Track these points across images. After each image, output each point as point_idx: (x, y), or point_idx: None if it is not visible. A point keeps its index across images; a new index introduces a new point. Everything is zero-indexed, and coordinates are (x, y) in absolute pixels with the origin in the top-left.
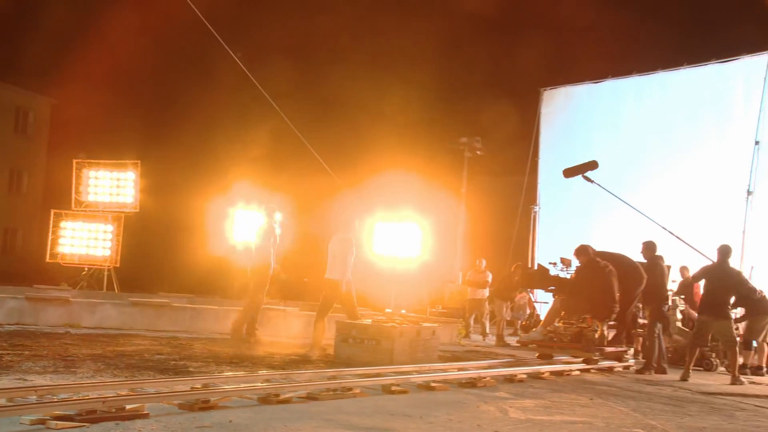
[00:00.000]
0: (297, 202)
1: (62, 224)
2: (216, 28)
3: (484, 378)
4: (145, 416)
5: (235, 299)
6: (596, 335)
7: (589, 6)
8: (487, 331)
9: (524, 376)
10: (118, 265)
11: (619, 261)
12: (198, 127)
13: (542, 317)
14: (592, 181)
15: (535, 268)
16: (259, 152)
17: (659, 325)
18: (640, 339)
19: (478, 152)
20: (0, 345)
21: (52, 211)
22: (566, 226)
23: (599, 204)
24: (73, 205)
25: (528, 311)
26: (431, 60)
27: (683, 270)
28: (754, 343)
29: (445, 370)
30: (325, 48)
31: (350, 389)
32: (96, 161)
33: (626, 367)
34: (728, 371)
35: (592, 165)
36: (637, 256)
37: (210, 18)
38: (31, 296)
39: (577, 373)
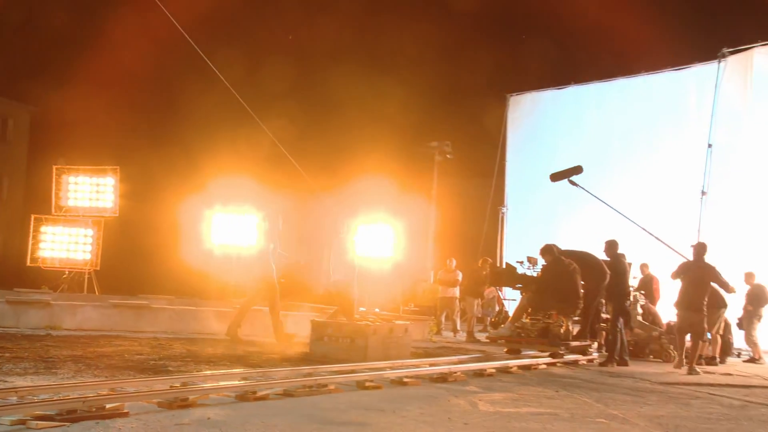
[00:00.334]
0: (274, 204)
1: (43, 229)
2: (188, 31)
3: (455, 373)
4: (125, 415)
5: (212, 300)
6: (561, 330)
7: (554, 16)
8: (458, 327)
9: (493, 370)
10: (98, 268)
11: (583, 259)
12: (175, 132)
13: (510, 314)
14: (576, 185)
15: (504, 266)
16: (234, 155)
17: (621, 320)
18: (603, 333)
19: (448, 156)
20: None
21: (33, 216)
22: (533, 227)
23: (564, 205)
24: (53, 210)
25: (497, 308)
26: (405, 67)
27: (643, 267)
28: (708, 335)
29: (417, 366)
30: (305, 53)
31: (325, 386)
32: (75, 167)
33: (590, 360)
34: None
35: (577, 170)
36: (601, 255)
37: (182, 22)
38: (11, 299)
39: (544, 366)
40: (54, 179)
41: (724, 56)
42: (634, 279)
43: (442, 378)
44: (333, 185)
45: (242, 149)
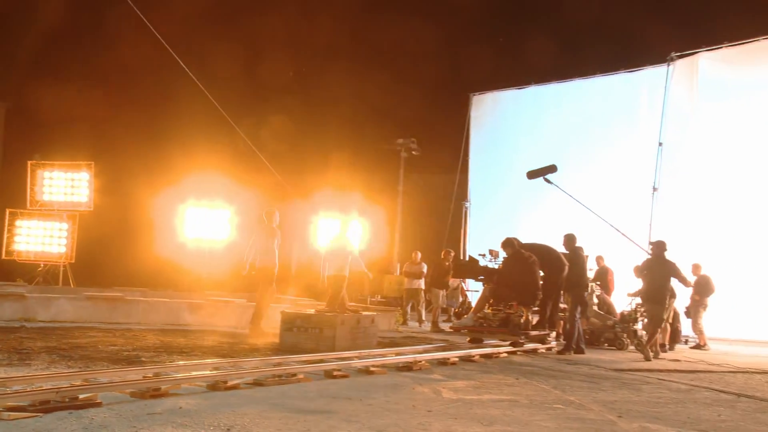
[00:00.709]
0: (245, 200)
1: (18, 223)
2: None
3: (420, 362)
4: (98, 405)
5: (185, 292)
6: (522, 320)
7: (517, 18)
8: (423, 318)
9: (456, 359)
10: (73, 261)
11: (542, 251)
12: (150, 128)
13: (473, 304)
14: (550, 182)
15: (467, 259)
16: (207, 152)
17: (579, 309)
18: (562, 323)
19: (414, 152)
20: None
21: (8, 210)
22: (494, 221)
23: (525, 200)
24: (28, 204)
25: (460, 299)
26: (372, 66)
27: (599, 259)
28: None
29: (383, 356)
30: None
31: (295, 375)
32: (51, 162)
33: (549, 349)
34: (637, 349)
35: (552, 168)
36: (560, 248)
37: (155, 21)
38: None
39: (505, 355)
40: (29, 174)
41: (672, 60)
42: (590, 271)
43: (408, 367)
44: (302, 182)
45: (215, 146)
